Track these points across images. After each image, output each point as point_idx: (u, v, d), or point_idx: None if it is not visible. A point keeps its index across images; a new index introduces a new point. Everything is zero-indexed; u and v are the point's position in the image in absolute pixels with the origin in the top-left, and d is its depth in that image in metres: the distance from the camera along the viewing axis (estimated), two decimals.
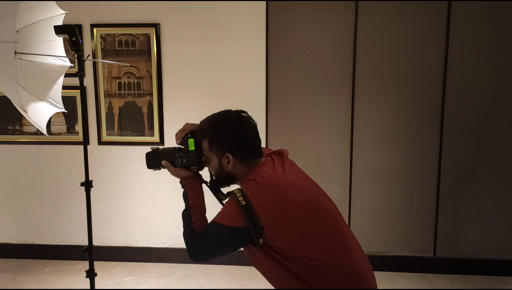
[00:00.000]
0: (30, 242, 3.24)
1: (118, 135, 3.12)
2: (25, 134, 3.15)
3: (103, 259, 3.10)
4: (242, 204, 1.21)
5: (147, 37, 3.00)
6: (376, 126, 2.96)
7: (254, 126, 1.38)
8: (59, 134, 3.12)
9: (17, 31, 1.83)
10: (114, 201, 3.16)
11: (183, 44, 3.00)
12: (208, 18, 2.96)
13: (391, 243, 3.03)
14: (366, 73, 2.91)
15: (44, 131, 2.00)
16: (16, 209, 3.23)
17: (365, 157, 2.98)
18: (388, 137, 2.96)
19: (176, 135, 1.45)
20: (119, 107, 3.09)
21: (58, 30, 1.88)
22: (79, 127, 3.11)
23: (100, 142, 3.11)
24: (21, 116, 3.08)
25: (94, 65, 3.04)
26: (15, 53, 1.79)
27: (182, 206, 1.43)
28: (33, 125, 3.09)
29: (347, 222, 2.99)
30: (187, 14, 2.96)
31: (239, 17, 2.94)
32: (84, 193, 1.98)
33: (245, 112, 1.40)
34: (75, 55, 1.90)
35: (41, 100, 2.02)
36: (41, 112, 1.99)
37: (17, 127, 3.15)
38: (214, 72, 3.01)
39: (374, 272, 1.38)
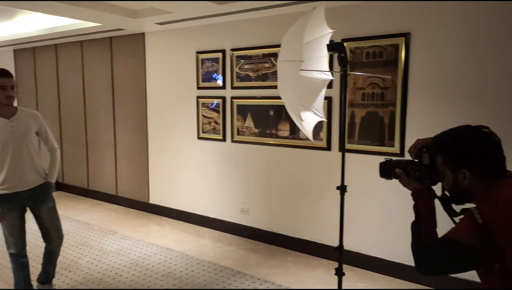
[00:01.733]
0: (275, 231, 3.76)
1: (357, 144, 3.24)
2: (279, 138, 3.67)
3: (334, 259, 3.27)
4: (478, 222, 1.18)
5: (395, 47, 2.99)
6: None
7: (496, 143, 1.29)
8: (307, 139, 3.50)
9: None
10: (347, 206, 3.27)
11: (434, 51, 2.85)
12: (462, 19, 2.71)
13: None
14: None
15: (311, 137, 2.27)
16: (267, 200, 3.81)
17: None
18: None
19: (409, 151, 1.48)
20: (361, 116, 3.20)
21: (331, 48, 2.11)
22: (323, 134, 3.40)
23: (340, 150, 3.31)
24: (279, 122, 3.62)
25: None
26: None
27: None
28: (285, 130, 3.59)
29: None
30: (440, 19, 2.79)
31: None
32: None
33: (487, 127, 1.31)
34: (340, 69, 2.08)
35: (308, 110, 2.29)
36: (309, 121, 2.26)
37: (273, 132, 3.70)
38: (469, 80, 2.73)
39: None
